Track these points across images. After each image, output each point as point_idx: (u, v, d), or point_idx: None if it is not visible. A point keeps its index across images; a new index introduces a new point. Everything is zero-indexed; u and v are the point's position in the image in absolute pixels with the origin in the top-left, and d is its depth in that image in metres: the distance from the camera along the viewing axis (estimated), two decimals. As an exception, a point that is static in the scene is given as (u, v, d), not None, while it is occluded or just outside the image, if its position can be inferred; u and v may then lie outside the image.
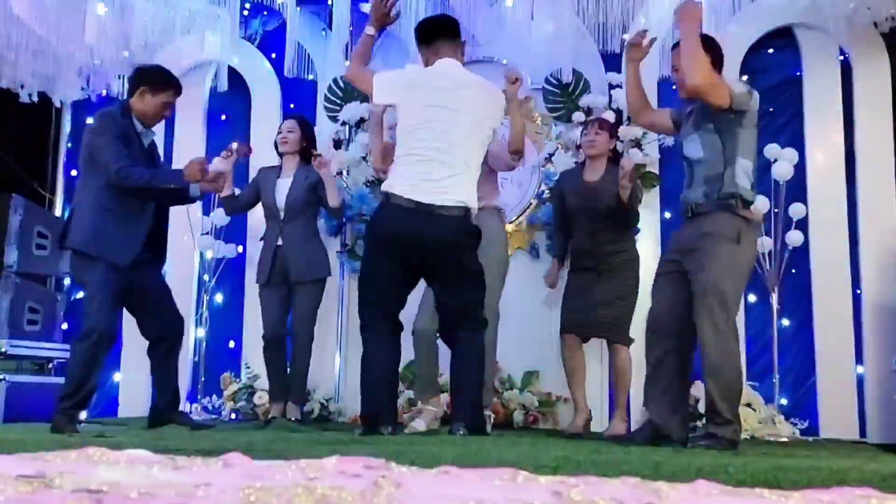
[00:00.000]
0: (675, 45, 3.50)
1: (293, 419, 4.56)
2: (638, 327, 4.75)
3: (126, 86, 4.13)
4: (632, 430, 4.15)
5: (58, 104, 5.96)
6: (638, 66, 3.68)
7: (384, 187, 3.51)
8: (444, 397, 4.72)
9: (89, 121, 5.98)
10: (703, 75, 3.19)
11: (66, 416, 3.65)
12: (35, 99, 5.56)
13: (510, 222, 5.21)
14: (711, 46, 3.35)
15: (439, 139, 3.42)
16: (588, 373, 4.52)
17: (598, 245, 4.32)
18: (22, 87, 5.45)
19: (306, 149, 4.73)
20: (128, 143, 3.82)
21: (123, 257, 3.77)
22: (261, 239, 4.80)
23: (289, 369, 4.61)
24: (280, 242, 4.60)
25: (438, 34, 3.64)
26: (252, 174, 5.12)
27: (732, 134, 3.28)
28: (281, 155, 4.77)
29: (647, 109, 3.73)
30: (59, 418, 3.63)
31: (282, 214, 4.62)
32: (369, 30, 3.66)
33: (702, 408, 4.57)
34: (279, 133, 4.77)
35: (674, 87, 3.62)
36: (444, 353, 4.28)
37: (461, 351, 3.52)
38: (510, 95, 3.78)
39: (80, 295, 4.12)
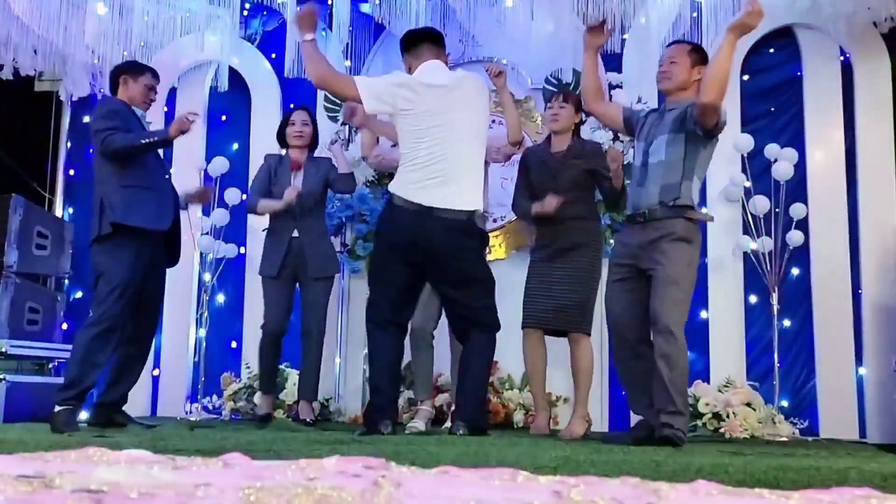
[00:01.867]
0: (671, 43, 3.61)
1: (308, 420, 4.51)
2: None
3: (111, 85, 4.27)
4: (591, 429, 4.11)
5: (63, 97, 5.95)
6: (597, 52, 3.76)
7: (390, 188, 3.52)
8: (444, 397, 4.75)
9: (86, 119, 5.99)
10: (721, 97, 3.24)
11: (66, 411, 3.63)
12: (36, 81, 5.54)
13: (510, 222, 5.22)
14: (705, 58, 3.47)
15: (441, 143, 3.43)
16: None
17: (562, 219, 4.08)
18: (17, 70, 5.43)
19: (314, 142, 4.75)
20: (126, 120, 3.97)
21: (162, 223, 3.96)
22: (264, 230, 4.74)
23: (302, 367, 4.61)
24: (295, 234, 4.55)
25: (422, 40, 3.66)
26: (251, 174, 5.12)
27: (696, 151, 3.39)
28: (287, 146, 4.70)
29: (600, 98, 3.82)
30: (59, 414, 3.61)
31: (297, 208, 4.55)
32: (307, 36, 3.43)
33: (702, 408, 4.59)
34: (291, 125, 4.67)
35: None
36: (444, 354, 4.31)
37: (470, 351, 3.54)
38: (499, 88, 3.82)
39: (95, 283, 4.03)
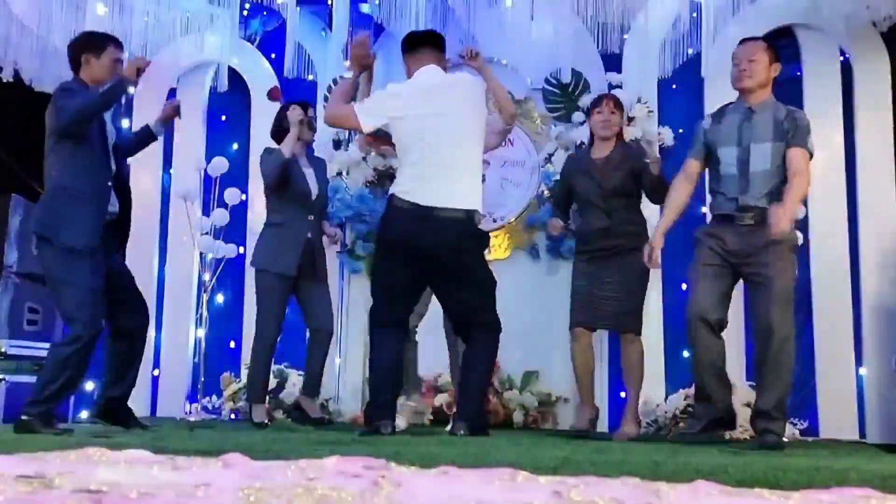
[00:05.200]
0: (745, 40, 3.68)
1: (325, 418, 4.52)
2: (652, 318, 4.79)
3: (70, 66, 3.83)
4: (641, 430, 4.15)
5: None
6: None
7: (390, 191, 3.55)
8: (443, 397, 4.75)
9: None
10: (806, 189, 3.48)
11: (41, 419, 3.43)
12: (32, 85, 5.51)
13: (510, 222, 5.22)
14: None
15: (435, 145, 3.46)
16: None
17: (615, 224, 4.07)
18: (18, 71, 5.40)
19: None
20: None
21: (79, 239, 3.53)
22: (270, 225, 4.49)
23: (313, 365, 4.51)
24: (310, 236, 4.43)
25: (422, 43, 3.69)
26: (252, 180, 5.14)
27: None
28: (281, 140, 4.41)
29: (687, 189, 3.72)
30: (30, 422, 3.39)
31: (313, 208, 4.47)
32: (353, 73, 3.73)
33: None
34: (298, 117, 4.37)
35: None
36: (443, 354, 4.30)
37: (472, 352, 3.56)
38: (479, 70, 3.78)
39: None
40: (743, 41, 3.69)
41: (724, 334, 3.59)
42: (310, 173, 4.51)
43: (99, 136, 3.71)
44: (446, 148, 3.46)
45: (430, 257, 3.45)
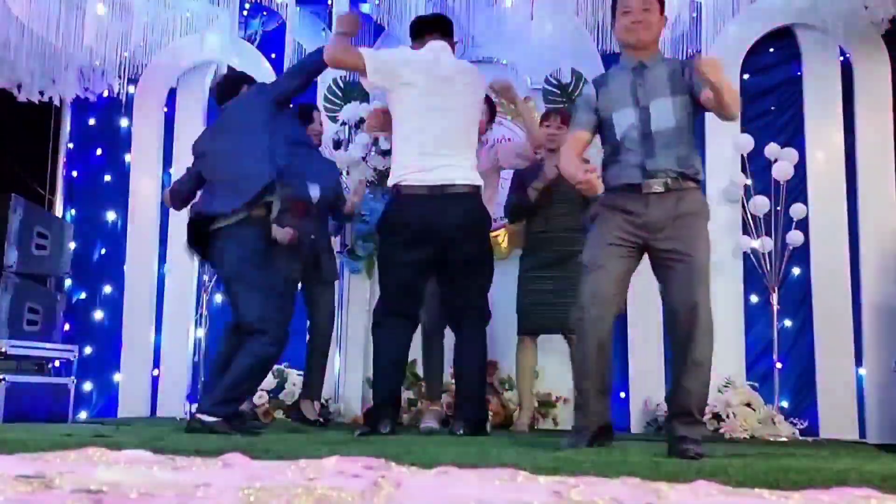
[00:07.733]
0: None
1: (314, 419, 4.52)
2: (652, 318, 4.77)
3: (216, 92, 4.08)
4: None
5: (57, 103, 5.95)
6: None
7: (392, 180, 3.52)
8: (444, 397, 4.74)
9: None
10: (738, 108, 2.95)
11: (224, 421, 3.39)
12: (35, 100, 5.55)
13: (510, 222, 5.21)
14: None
15: (438, 124, 3.47)
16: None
17: (555, 231, 4.28)
18: (19, 87, 5.43)
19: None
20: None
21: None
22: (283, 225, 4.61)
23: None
24: (313, 237, 4.49)
25: (429, 29, 3.69)
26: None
27: (696, 113, 3.01)
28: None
29: (579, 154, 3.17)
30: (220, 424, 3.37)
31: (316, 210, 4.52)
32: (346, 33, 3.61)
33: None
34: (311, 122, 4.65)
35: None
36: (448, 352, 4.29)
37: (463, 344, 3.55)
38: (510, 100, 3.89)
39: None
40: None
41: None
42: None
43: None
44: (450, 125, 3.48)
45: (444, 238, 3.43)
